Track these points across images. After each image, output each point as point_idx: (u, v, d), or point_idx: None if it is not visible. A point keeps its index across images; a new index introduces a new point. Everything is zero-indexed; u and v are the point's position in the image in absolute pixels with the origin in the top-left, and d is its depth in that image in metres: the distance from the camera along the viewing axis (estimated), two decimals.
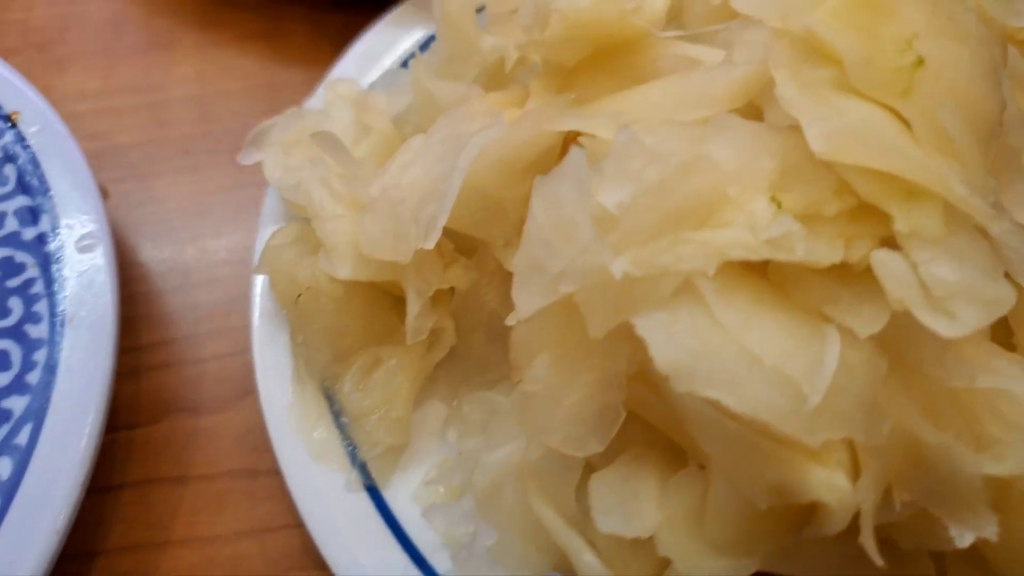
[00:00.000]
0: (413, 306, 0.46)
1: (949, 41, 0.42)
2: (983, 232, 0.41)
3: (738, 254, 0.37)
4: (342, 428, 0.49)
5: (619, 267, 0.36)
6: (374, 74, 0.61)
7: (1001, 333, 0.52)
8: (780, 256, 0.37)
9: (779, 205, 0.38)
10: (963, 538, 0.39)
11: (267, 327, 0.52)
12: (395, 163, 0.47)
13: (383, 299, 0.50)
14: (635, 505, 0.39)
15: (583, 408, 0.40)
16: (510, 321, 0.41)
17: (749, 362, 0.35)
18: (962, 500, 0.39)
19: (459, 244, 0.52)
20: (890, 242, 0.39)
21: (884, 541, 0.42)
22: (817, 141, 0.38)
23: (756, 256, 0.37)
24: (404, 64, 0.61)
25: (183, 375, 0.58)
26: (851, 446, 0.37)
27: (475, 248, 0.51)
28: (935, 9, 0.42)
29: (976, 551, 0.44)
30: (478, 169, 0.46)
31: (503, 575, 0.42)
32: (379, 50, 0.62)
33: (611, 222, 0.38)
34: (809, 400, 0.35)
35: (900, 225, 0.38)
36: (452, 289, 0.50)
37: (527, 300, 0.40)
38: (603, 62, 0.49)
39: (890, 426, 0.37)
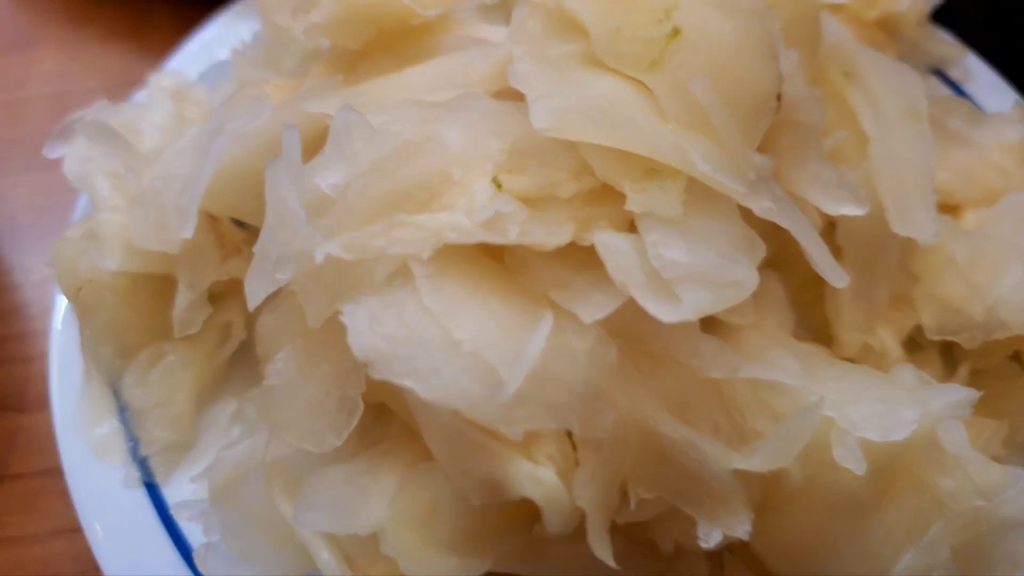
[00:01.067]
0: (182, 298, 0.45)
1: (714, 12, 0.40)
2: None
3: (453, 237, 0.35)
4: (126, 424, 0.47)
5: (322, 252, 0.35)
6: (206, 66, 0.60)
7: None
8: (494, 239, 0.35)
9: (499, 186, 0.36)
10: (710, 537, 0.36)
11: (70, 323, 0.51)
12: (167, 152, 0.46)
13: (173, 293, 0.48)
14: (360, 502, 0.37)
15: (321, 402, 0.38)
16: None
17: (449, 349, 0.34)
18: (714, 497, 0.37)
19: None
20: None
21: (650, 542, 0.40)
22: (540, 118, 0.36)
23: (470, 239, 0.35)
24: None
25: (11, 373, 0.57)
26: (571, 439, 0.35)
27: None
28: None
29: (752, 551, 0.41)
30: (249, 156, 0.44)
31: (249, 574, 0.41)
32: (215, 43, 0.61)
33: (327, 205, 0.36)
34: (505, 388, 0.33)
35: (632, 205, 0.36)
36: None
37: (254, 289, 0.38)
38: (390, 45, 0.47)
39: (616, 418, 0.35)
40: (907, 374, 0.45)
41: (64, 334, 0.51)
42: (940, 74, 0.63)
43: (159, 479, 0.47)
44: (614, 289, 0.35)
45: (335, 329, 0.36)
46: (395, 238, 0.35)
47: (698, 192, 0.37)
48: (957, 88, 0.63)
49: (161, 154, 0.47)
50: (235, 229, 0.48)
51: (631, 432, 0.36)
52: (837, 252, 0.48)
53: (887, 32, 0.58)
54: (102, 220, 0.46)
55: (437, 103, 0.39)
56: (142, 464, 0.47)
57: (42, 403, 0.57)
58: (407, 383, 0.33)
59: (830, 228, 0.47)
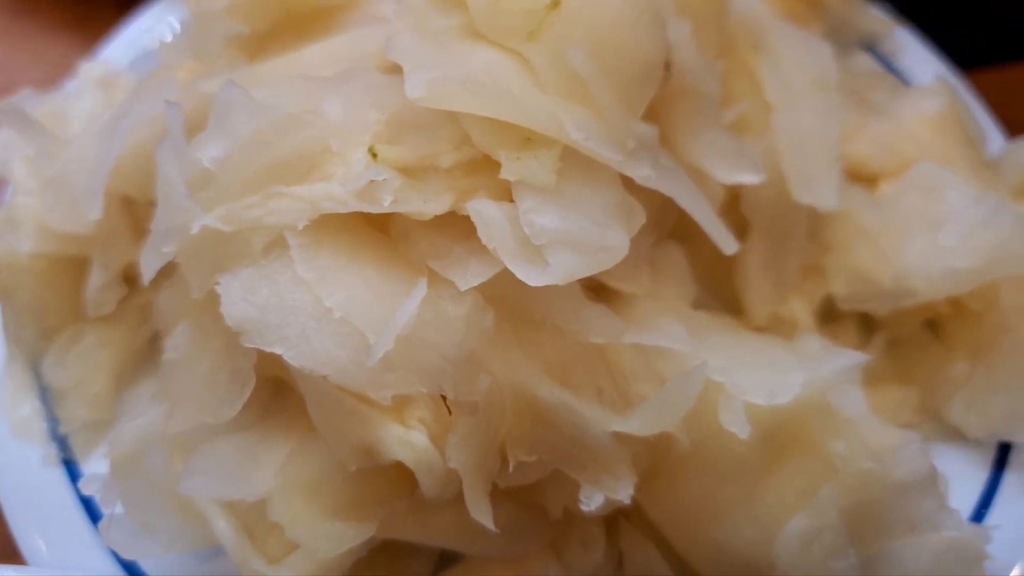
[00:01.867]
0: (95, 278, 0.46)
1: None
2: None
3: (328, 207, 0.36)
4: (47, 404, 0.48)
5: (198, 223, 0.35)
6: (137, 55, 0.60)
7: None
8: (368, 208, 0.36)
9: (375, 156, 0.36)
10: (592, 499, 0.37)
11: None
12: (80, 136, 0.47)
13: None
14: (249, 469, 0.38)
15: (215, 374, 0.39)
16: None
17: (320, 316, 0.34)
18: (596, 461, 0.38)
19: None
20: None
21: (541, 507, 0.41)
22: (414, 88, 0.36)
23: (345, 208, 0.36)
24: None
25: None
26: (447, 404, 0.36)
27: None
28: None
29: (646, 518, 0.42)
30: (156, 137, 0.45)
31: (155, 547, 0.41)
32: (148, 31, 0.61)
33: (209, 179, 0.37)
34: (373, 352, 0.33)
35: (507, 173, 0.36)
36: None
37: (146, 264, 0.39)
38: (299, 25, 0.48)
39: (491, 381, 0.36)
40: (811, 343, 0.45)
41: None
42: (873, 51, 0.63)
43: (78, 457, 0.47)
44: (491, 257, 0.36)
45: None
46: (271, 209, 0.36)
47: (575, 161, 0.37)
48: (888, 63, 0.63)
49: (76, 139, 0.48)
50: (152, 211, 0.49)
51: (507, 396, 0.36)
52: (744, 224, 0.48)
53: (811, 7, 0.59)
54: (18, 203, 0.47)
55: (322, 77, 0.40)
56: (61, 443, 0.48)
57: None
58: (277, 350, 0.34)
59: (736, 200, 0.48)
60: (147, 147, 0.45)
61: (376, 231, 0.38)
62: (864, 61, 0.61)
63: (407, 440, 0.34)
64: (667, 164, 0.40)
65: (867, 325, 0.52)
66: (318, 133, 0.37)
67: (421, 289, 0.35)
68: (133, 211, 0.48)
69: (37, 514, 0.46)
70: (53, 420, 0.48)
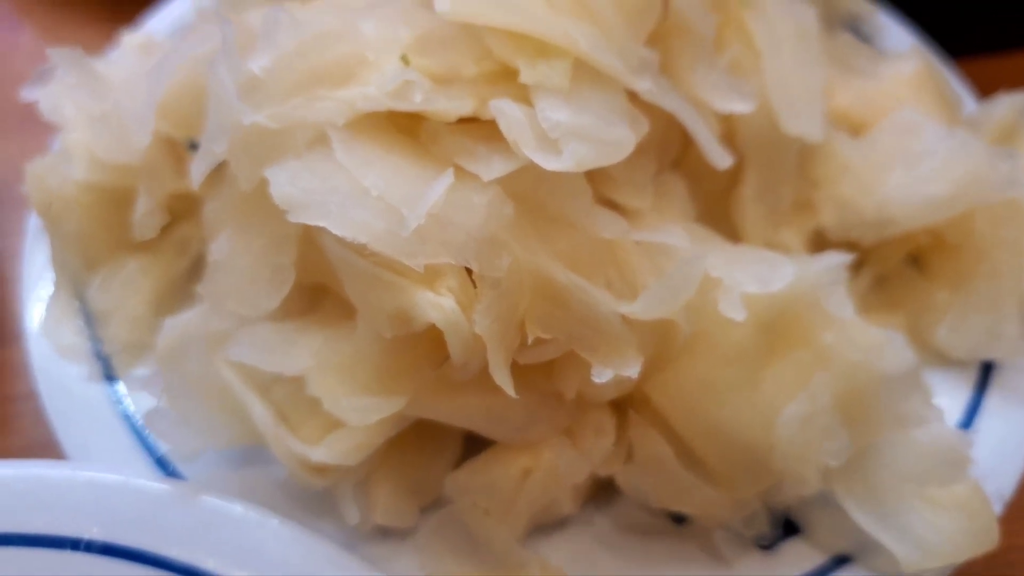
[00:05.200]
0: (141, 204, 0.50)
1: None
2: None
3: (365, 106, 0.40)
4: (91, 327, 0.52)
5: (250, 118, 0.40)
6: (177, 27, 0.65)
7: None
8: (400, 106, 0.40)
9: (407, 62, 0.41)
10: (602, 374, 0.40)
11: (39, 242, 0.55)
12: (130, 77, 0.51)
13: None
14: (288, 349, 0.41)
15: (256, 270, 0.43)
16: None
17: (358, 195, 0.38)
18: (606, 341, 0.41)
19: None
20: None
21: (558, 394, 0.44)
22: (442, 1, 0.41)
23: (380, 106, 0.40)
24: None
25: None
26: (472, 282, 0.39)
27: None
28: None
29: (654, 408, 0.45)
30: (202, 75, 0.49)
31: (195, 440, 0.44)
32: (187, 5, 0.66)
33: (258, 86, 0.41)
34: (407, 223, 0.37)
35: (525, 77, 0.41)
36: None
37: (197, 168, 0.43)
38: None
39: (512, 261, 0.39)
40: (802, 257, 0.49)
41: (33, 247, 0.55)
42: (855, 32, 0.69)
43: (119, 374, 0.51)
44: (513, 154, 0.40)
45: (268, 206, 0.41)
46: (314, 109, 0.40)
47: (585, 72, 0.42)
48: (869, 44, 0.68)
49: (124, 80, 0.52)
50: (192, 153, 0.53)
51: (526, 275, 0.40)
52: (740, 158, 0.52)
53: None
54: (69, 138, 0.51)
55: (359, 7, 0.44)
56: (104, 362, 0.51)
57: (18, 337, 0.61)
58: (321, 223, 0.38)
59: (732, 138, 0.52)
60: (192, 84, 0.50)
61: (406, 136, 0.42)
62: (846, 39, 0.66)
63: (439, 304, 0.38)
64: (666, 84, 0.45)
65: (855, 264, 0.55)
66: (355, 46, 0.42)
67: (448, 176, 0.39)
68: (175, 151, 0.52)
69: (83, 427, 0.49)
70: (96, 341, 0.51)
